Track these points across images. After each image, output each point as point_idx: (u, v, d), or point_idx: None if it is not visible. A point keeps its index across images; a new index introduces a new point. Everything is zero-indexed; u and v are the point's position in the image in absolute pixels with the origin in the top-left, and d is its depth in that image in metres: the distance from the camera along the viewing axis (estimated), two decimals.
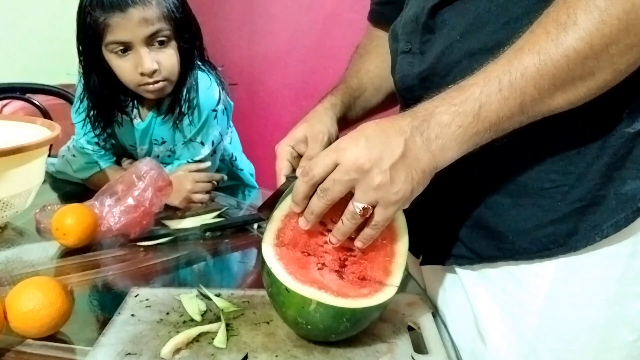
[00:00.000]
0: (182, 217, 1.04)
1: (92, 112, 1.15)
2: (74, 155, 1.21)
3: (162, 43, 1.08)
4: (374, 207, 0.57)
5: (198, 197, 1.13)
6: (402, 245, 0.62)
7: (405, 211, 0.65)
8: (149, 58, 1.07)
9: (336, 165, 0.56)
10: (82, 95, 1.15)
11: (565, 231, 0.61)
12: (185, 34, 1.12)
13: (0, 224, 0.93)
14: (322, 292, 0.58)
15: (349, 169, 0.55)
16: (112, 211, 0.91)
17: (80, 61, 1.12)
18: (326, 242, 0.61)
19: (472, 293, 0.69)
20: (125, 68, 1.08)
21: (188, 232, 0.96)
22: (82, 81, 1.14)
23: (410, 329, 0.67)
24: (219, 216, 1.04)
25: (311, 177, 0.57)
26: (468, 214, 0.67)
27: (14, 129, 1.01)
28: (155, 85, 1.09)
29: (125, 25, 1.04)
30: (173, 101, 1.14)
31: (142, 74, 1.07)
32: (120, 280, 0.81)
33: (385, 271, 0.61)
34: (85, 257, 0.87)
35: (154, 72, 1.08)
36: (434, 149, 0.56)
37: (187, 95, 1.14)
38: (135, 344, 0.60)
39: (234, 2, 2.35)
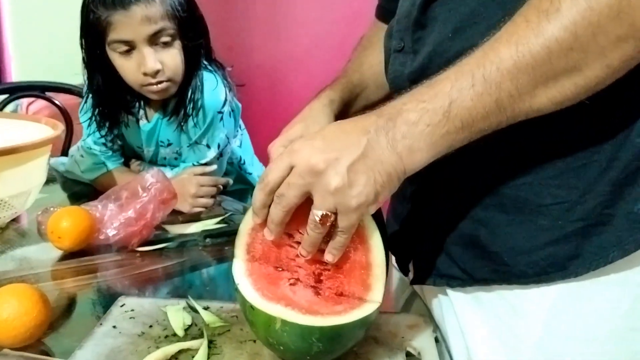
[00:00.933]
0: (184, 222, 1.01)
1: (96, 112, 1.13)
2: (82, 156, 1.20)
3: (166, 42, 1.06)
4: (335, 213, 0.52)
5: (202, 201, 1.10)
6: (378, 255, 0.57)
7: (396, 225, 0.60)
8: (152, 58, 1.04)
9: (292, 169, 0.52)
10: (87, 95, 1.14)
11: (566, 254, 0.55)
12: (190, 33, 1.09)
13: (0, 224, 0.92)
14: (288, 309, 0.53)
15: (302, 171, 0.51)
16: (112, 221, 0.88)
17: (83, 60, 1.10)
18: (298, 256, 0.57)
19: (462, 317, 0.64)
20: (128, 68, 1.06)
21: (188, 238, 0.94)
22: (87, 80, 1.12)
23: (409, 354, 0.62)
24: (222, 222, 1.01)
25: (266, 183, 0.53)
26: (461, 230, 0.62)
27: (18, 127, 1.00)
28: (159, 85, 1.07)
29: (128, 24, 1.02)
30: (178, 102, 1.12)
31: (145, 74, 1.05)
32: (112, 286, 0.78)
33: (363, 285, 0.56)
34: (81, 262, 0.85)
35: (157, 72, 1.05)
36: (400, 150, 0.50)
37: (192, 96, 1.11)
38: (112, 359, 0.57)
39: (257, 3, 2.33)
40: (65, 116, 1.71)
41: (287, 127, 0.71)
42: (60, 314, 0.70)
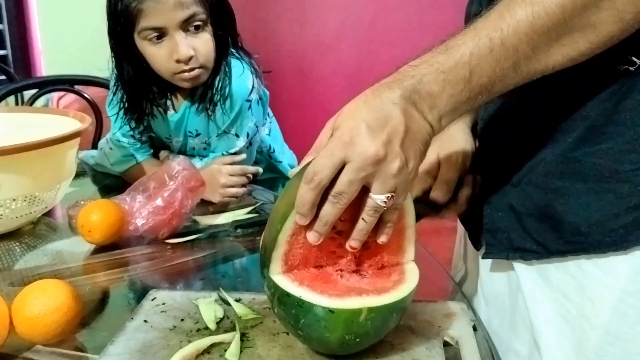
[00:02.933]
0: (214, 212, 1.00)
1: (125, 105, 1.12)
2: (111, 149, 1.20)
3: (197, 28, 1.04)
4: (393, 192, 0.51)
5: (232, 191, 1.08)
6: (409, 218, 0.57)
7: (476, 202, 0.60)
8: (185, 43, 1.02)
9: (344, 164, 0.49)
10: (115, 88, 1.13)
11: None
12: (220, 18, 1.07)
13: (31, 219, 0.92)
14: (365, 297, 0.52)
15: (365, 163, 0.49)
16: (140, 211, 0.87)
17: (112, 50, 1.09)
18: (338, 247, 0.55)
19: (529, 294, 0.62)
20: (159, 56, 1.04)
21: (218, 229, 0.92)
22: (115, 73, 1.11)
23: (446, 344, 0.60)
24: (253, 211, 1.00)
25: (318, 182, 0.50)
26: (535, 201, 0.60)
27: (47, 121, 1.00)
28: (192, 72, 1.05)
29: (160, 10, 1.00)
30: (205, 90, 1.10)
31: (178, 61, 1.03)
32: (144, 280, 0.78)
33: (399, 250, 0.57)
34: (112, 255, 0.84)
35: (190, 58, 1.03)
36: (430, 120, 0.51)
37: (220, 84, 1.09)
38: (144, 354, 0.56)
39: None
40: (95, 109, 1.72)
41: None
42: (93, 309, 0.69)
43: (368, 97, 0.51)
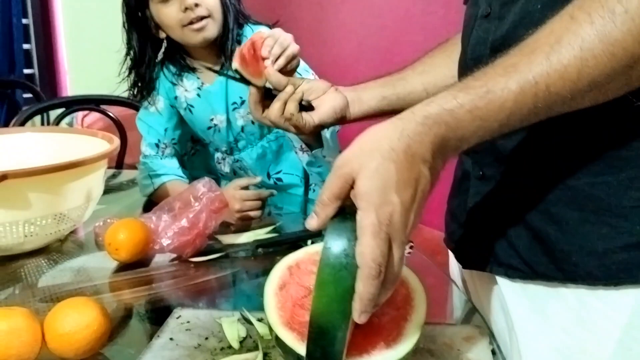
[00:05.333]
0: (236, 232, 1.02)
1: (132, 72, 1.25)
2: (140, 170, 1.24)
3: None
4: None
5: (248, 215, 1.11)
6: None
7: (460, 216, 0.59)
8: None
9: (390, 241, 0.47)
10: (127, 71, 1.25)
11: None
12: None
13: (59, 236, 0.95)
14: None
15: (405, 238, 0.48)
16: (165, 231, 0.90)
17: (124, 25, 1.24)
18: None
19: (514, 313, 0.63)
20: (169, 12, 1.14)
21: (240, 248, 0.94)
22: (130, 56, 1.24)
23: None
24: (273, 231, 1.02)
25: (379, 271, 0.47)
26: (528, 223, 0.60)
27: (76, 142, 1.03)
28: (200, 22, 1.14)
29: None
30: (225, 51, 1.19)
31: (186, 9, 1.13)
32: (168, 297, 0.80)
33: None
34: (137, 273, 0.86)
35: (196, 5, 1.13)
36: (450, 156, 0.51)
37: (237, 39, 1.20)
38: None
39: (304, 8, 2.34)
40: (119, 128, 1.77)
41: None
42: (119, 326, 0.71)
43: (399, 156, 0.48)
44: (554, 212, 0.58)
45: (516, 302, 0.63)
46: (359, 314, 0.47)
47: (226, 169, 1.38)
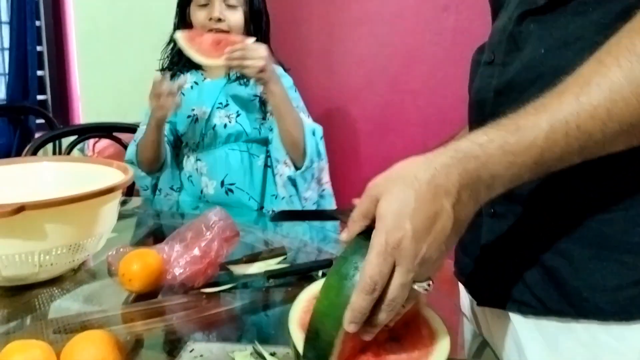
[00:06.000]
0: (247, 262, 1.03)
1: (174, 52, 1.57)
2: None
3: (233, 5, 1.47)
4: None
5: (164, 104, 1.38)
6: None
7: (476, 252, 0.60)
8: (219, 9, 1.45)
9: (394, 266, 0.49)
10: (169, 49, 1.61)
11: None
12: (255, 9, 1.51)
13: (73, 266, 0.96)
14: None
15: (412, 266, 0.49)
16: (178, 260, 0.91)
17: (175, 21, 1.58)
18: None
19: (528, 350, 0.63)
20: (200, 15, 1.47)
21: (251, 279, 0.95)
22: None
23: None
24: (284, 261, 1.02)
25: (379, 291, 0.49)
26: (540, 260, 0.61)
27: (91, 171, 1.05)
28: (220, 32, 1.45)
29: None
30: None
31: (210, 19, 1.45)
32: (180, 329, 0.80)
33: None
34: (150, 304, 0.87)
35: (219, 20, 1.45)
36: (482, 198, 0.51)
37: None
38: None
39: (313, 37, 2.38)
40: None
41: None
42: (131, 357, 0.72)
43: (422, 185, 0.49)
44: (565, 248, 0.59)
45: (529, 338, 0.64)
46: (347, 322, 0.50)
47: (188, 167, 1.56)
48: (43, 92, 2.65)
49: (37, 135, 2.52)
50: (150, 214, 1.43)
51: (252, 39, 1.41)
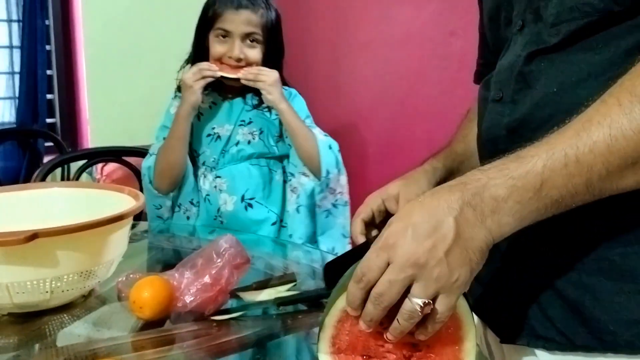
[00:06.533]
0: (257, 288, 1.02)
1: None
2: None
3: (252, 42, 1.49)
4: (434, 299, 0.52)
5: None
6: (469, 330, 0.57)
7: (482, 287, 0.59)
8: (239, 48, 1.47)
9: (388, 264, 0.52)
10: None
11: None
12: (273, 45, 1.53)
13: (84, 292, 0.96)
14: None
15: (404, 265, 0.51)
16: (189, 288, 0.90)
17: (194, 42, 1.57)
18: (386, 341, 0.57)
19: None
20: (219, 50, 1.48)
21: (261, 306, 0.95)
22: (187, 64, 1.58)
23: None
24: (294, 288, 1.02)
25: (366, 282, 0.53)
26: (563, 294, 0.61)
27: (102, 197, 1.05)
28: (237, 68, 1.47)
29: (233, 20, 1.46)
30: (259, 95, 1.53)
31: (230, 57, 1.46)
32: (190, 358, 0.80)
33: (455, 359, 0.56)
34: (160, 332, 0.87)
35: (239, 60, 1.47)
36: (489, 224, 0.51)
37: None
38: None
39: (320, 60, 2.40)
40: (138, 176, 1.80)
41: (388, 184, 0.75)
42: None
43: (426, 197, 0.53)
44: (587, 282, 0.59)
45: None
46: (348, 309, 0.56)
47: (206, 185, 1.56)
48: (52, 116, 2.68)
49: (45, 158, 2.54)
50: (160, 238, 1.43)
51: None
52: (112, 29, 2.52)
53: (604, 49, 0.56)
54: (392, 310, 0.54)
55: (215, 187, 1.55)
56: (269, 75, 1.46)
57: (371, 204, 0.73)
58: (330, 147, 1.55)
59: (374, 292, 0.53)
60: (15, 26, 2.58)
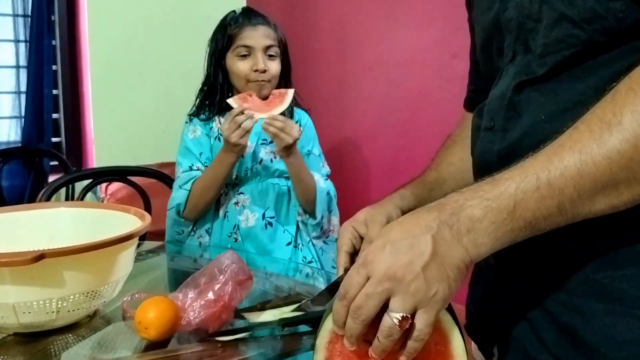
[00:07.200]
0: (262, 309, 1.02)
1: (204, 99, 1.63)
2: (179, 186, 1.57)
3: (272, 55, 1.56)
4: (412, 315, 0.53)
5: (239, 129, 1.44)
6: (458, 346, 0.58)
7: (476, 309, 0.60)
8: (263, 60, 1.54)
9: (368, 279, 0.54)
10: (201, 96, 1.65)
11: None
12: (286, 62, 1.63)
13: (89, 312, 0.96)
14: None
15: (381, 279, 0.53)
16: (192, 305, 0.91)
17: (208, 68, 1.62)
18: None
19: None
20: (243, 67, 1.54)
21: (266, 327, 0.95)
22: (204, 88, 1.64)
23: None
24: (299, 309, 1.02)
25: (349, 299, 0.54)
26: (555, 317, 0.61)
27: (108, 217, 1.06)
28: (262, 83, 1.53)
29: (253, 35, 1.54)
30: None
31: (256, 71, 1.53)
32: None
33: None
34: (165, 353, 0.87)
35: (264, 71, 1.53)
36: (465, 243, 0.53)
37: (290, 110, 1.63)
38: None
39: (324, 81, 2.42)
40: (143, 195, 1.80)
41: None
42: None
43: (405, 217, 0.55)
44: (579, 304, 0.59)
45: None
46: (335, 327, 0.58)
47: (226, 202, 1.60)
48: (58, 135, 2.70)
49: (50, 177, 2.56)
50: (164, 258, 1.44)
51: (292, 91, 1.56)
52: (118, 50, 2.55)
53: (589, 77, 0.58)
54: (377, 329, 0.55)
55: (237, 203, 1.59)
56: (292, 131, 1.46)
57: (346, 234, 0.75)
58: (328, 193, 1.61)
59: (352, 306, 0.54)
60: (22, 46, 2.61)
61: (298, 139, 1.49)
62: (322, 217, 1.58)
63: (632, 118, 0.48)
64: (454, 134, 0.88)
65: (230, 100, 1.50)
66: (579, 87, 0.58)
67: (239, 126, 1.42)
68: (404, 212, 0.76)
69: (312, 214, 1.59)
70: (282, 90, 1.56)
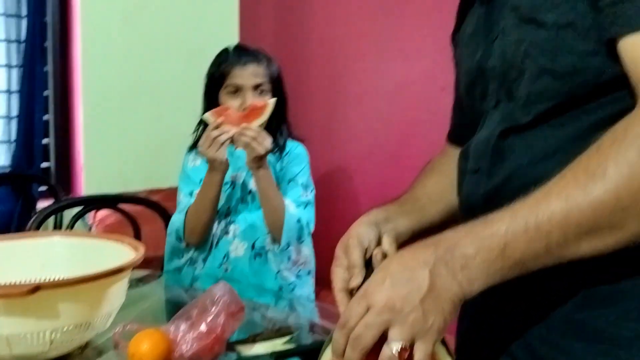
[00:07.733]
0: (254, 341, 1.03)
1: (203, 131, 1.63)
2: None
3: (261, 92, 1.60)
4: (411, 346, 0.55)
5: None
6: None
7: (470, 340, 0.61)
8: (251, 99, 1.57)
9: (368, 310, 0.56)
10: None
11: None
12: (277, 94, 1.63)
13: (81, 344, 0.96)
14: None
15: (381, 310, 0.55)
16: (185, 337, 0.91)
17: (204, 102, 1.69)
18: None
19: None
20: (233, 104, 1.58)
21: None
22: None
23: None
24: (290, 341, 1.03)
25: (349, 328, 0.56)
26: (537, 353, 0.64)
27: (102, 248, 1.06)
28: None
29: (242, 75, 1.59)
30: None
31: (245, 109, 1.55)
32: None
33: None
34: None
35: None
36: (460, 279, 0.55)
37: (279, 142, 1.66)
38: None
39: (315, 110, 2.45)
40: (133, 223, 1.80)
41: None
42: None
43: (404, 252, 0.59)
44: (562, 343, 0.62)
45: None
46: (334, 357, 0.59)
47: (218, 231, 1.62)
48: (47, 159, 2.69)
49: (39, 202, 2.54)
50: (155, 286, 1.44)
51: (272, 101, 1.58)
52: (110, 76, 2.57)
53: (569, 126, 0.62)
54: None
55: (227, 232, 1.61)
56: (265, 142, 1.50)
57: (337, 278, 0.75)
58: (298, 221, 1.59)
59: (351, 335, 0.56)
60: (14, 72, 2.62)
61: (270, 151, 1.52)
62: (288, 245, 1.58)
63: (616, 170, 0.51)
64: (434, 161, 0.91)
65: (205, 115, 1.55)
66: (560, 135, 0.62)
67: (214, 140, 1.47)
68: (377, 224, 0.78)
69: (278, 239, 1.59)
70: (260, 102, 1.57)
